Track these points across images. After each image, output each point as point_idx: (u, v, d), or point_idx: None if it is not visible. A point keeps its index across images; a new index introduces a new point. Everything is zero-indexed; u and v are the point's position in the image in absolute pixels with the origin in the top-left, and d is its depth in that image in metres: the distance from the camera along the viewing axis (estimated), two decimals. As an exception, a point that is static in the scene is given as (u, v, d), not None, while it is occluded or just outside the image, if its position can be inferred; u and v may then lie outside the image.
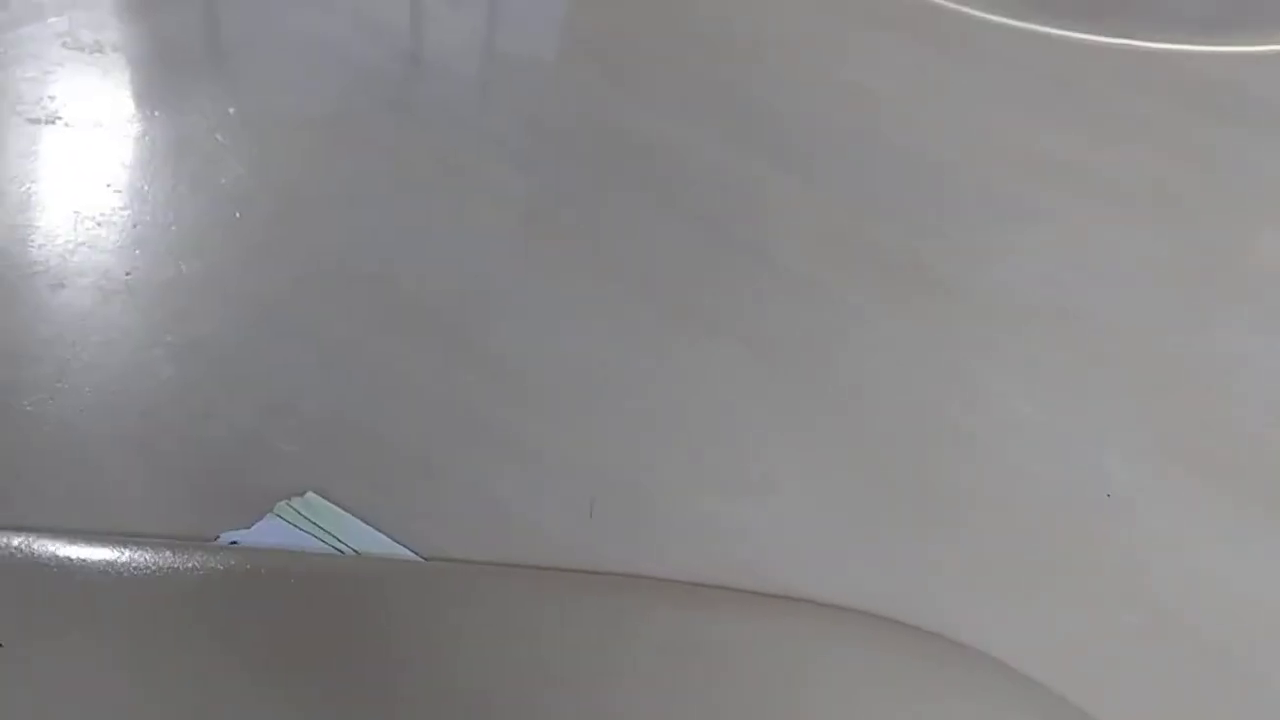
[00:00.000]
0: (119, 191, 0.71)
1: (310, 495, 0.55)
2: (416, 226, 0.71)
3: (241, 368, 0.62)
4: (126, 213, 0.70)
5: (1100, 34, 0.97)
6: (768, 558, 0.56)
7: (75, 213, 0.69)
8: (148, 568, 0.51)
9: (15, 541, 0.51)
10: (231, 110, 0.79)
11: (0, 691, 0.47)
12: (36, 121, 0.75)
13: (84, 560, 0.51)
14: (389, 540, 0.54)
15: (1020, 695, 0.50)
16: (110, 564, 0.51)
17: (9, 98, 0.77)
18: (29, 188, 0.70)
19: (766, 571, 0.55)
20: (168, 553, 0.52)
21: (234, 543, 0.53)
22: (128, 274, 0.66)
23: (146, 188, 0.72)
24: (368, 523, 0.55)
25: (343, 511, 0.55)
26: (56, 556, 0.51)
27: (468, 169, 0.76)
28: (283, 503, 0.55)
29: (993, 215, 0.77)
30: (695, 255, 0.70)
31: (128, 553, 0.52)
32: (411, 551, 0.54)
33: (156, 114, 0.78)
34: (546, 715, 0.49)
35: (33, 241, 0.67)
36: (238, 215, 0.70)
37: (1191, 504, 0.60)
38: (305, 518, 0.55)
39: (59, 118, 0.76)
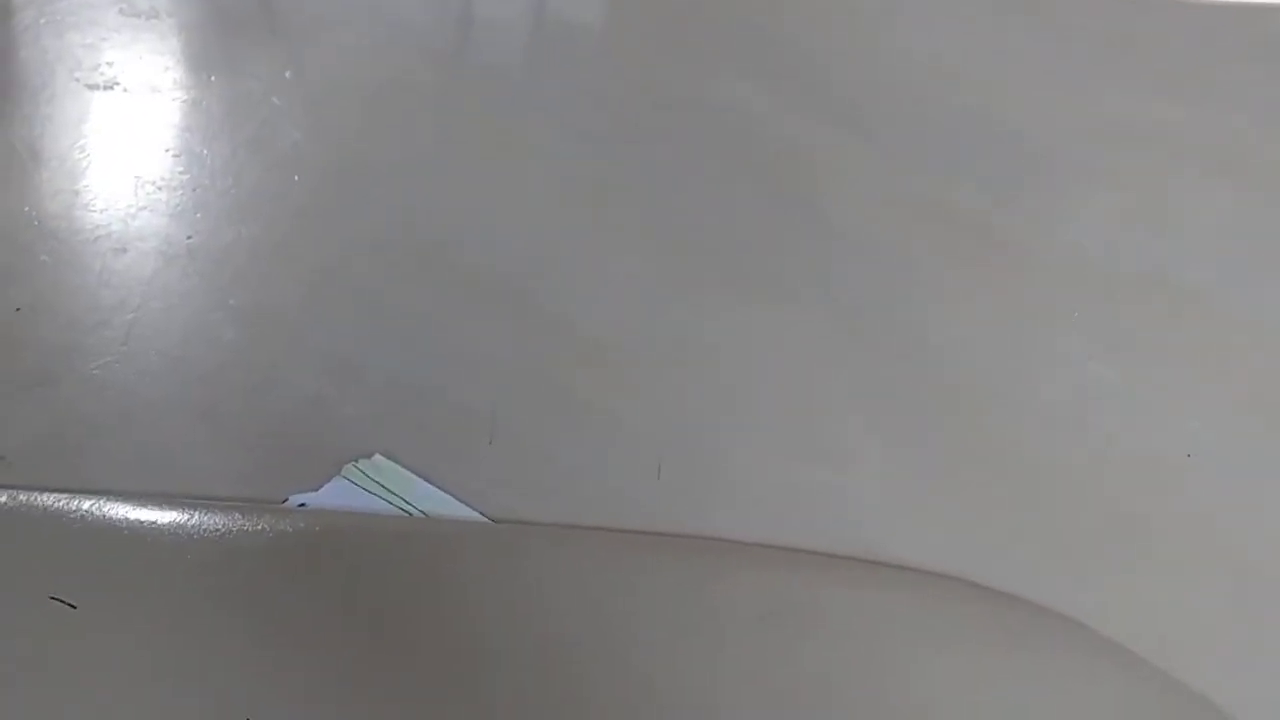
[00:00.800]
0: (177, 156, 0.71)
1: (378, 457, 0.55)
2: (475, 193, 0.70)
3: (304, 331, 0.61)
4: (186, 177, 0.69)
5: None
6: (842, 523, 0.55)
7: (135, 178, 0.69)
8: (218, 530, 0.51)
9: (86, 505, 0.51)
10: (287, 74, 0.78)
11: (76, 653, 0.46)
12: (94, 87, 0.75)
13: (155, 523, 0.51)
14: (457, 502, 0.54)
15: (1104, 658, 0.49)
16: (180, 526, 0.51)
17: (67, 64, 0.77)
18: (89, 153, 0.70)
19: (841, 536, 0.54)
20: (237, 515, 0.52)
21: (302, 505, 0.53)
22: (189, 238, 0.65)
23: (205, 152, 0.71)
24: (435, 485, 0.54)
25: (411, 474, 0.55)
26: (127, 520, 0.51)
27: (525, 137, 0.75)
28: (350, 465, 0.55)
29: (1062, 177, 0.75)
30: (763, 221, 0.69)
31: (197, 515, 0.51)
32: (480, 514, 0.53)
33: (213, 79, 0.77)
34: (625, 678, 0.48)
35: (94, 207, 0.67)
36: (296, 179, 0.70)
37: (1275, 463, 0.58)
38: (373, 480, 0.54)
39: (116, 83, 0.76)
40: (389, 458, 0.55)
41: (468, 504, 0.54)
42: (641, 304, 0.64)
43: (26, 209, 0.66)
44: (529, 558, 0.52)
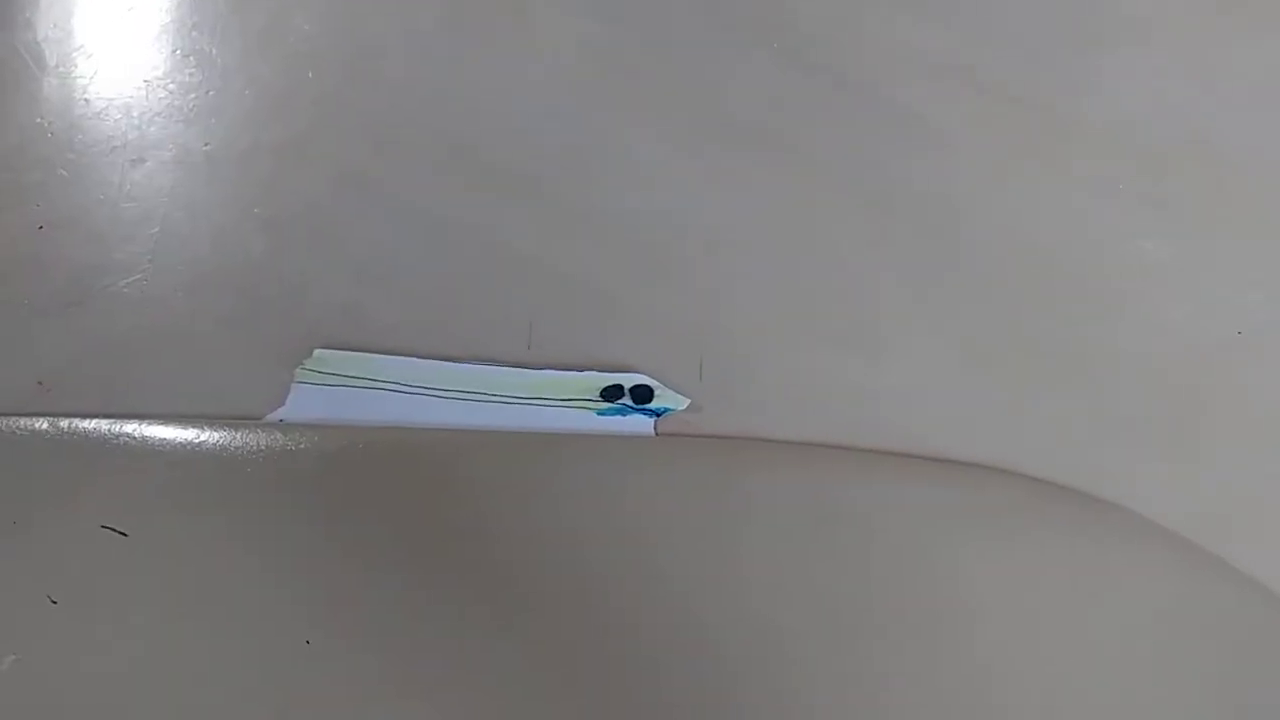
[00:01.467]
0: (187, 57, 0.68)
1: (318, 351, 0.55)
2: (497, 84, 0.68)
3: (333, 237, 0.60)
4: (198, 79, 0.67)
5: None
6: (888, 416, 0.54)
7: (145, 82, 0.67)
8: (261, 450, 0.51)
9: (130, 430, 0.51)
10: (293, -38, 0.75)
11: (131, 581, 0.47)
12: (95, -14, 0.72)
13: (199, 445, 0.51)
14: (425, 362, 0.54)
15: (1157, 545, 0.49)
16: (224, 448, 0.51)
17: (64, -38, 0.74)
18: (95, 58, 0.68)
19: (888, 430, 0.54)
20: (278, 435, 0.51)
21: (281, 420, 0.53)
22: (206, 145, 0.64)
23: (214, 51, 0.69)
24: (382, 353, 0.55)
25: (359, 353, 0.55)
26: (171, 443, 0.51)
27: (547, 19, 0.72)
28: (298, 369, 0.54)
29: (1109, 39, 0.71)
30: (799, 100, 0.66)
31: (240, 435, 0.51)
32: (446, 360, 0.54)
33: (216, -29, 0.74)
34: (665, 585, 0.48)
35: (108, 116, 0.65)
36: (310, 76, 0.68)
37: (1329, 339, 0.57)
38: (330, 373, 0.54)
39: (118, -20, 0.73)
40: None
41: (427, 357, 0.54)
42: (675, 193, 0.63)
43: (38, 120, 0.65)
44: (559, 463, 0.51)
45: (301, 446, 0.51)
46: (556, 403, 0.54)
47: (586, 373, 0.55)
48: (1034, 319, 0.58)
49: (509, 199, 0.62)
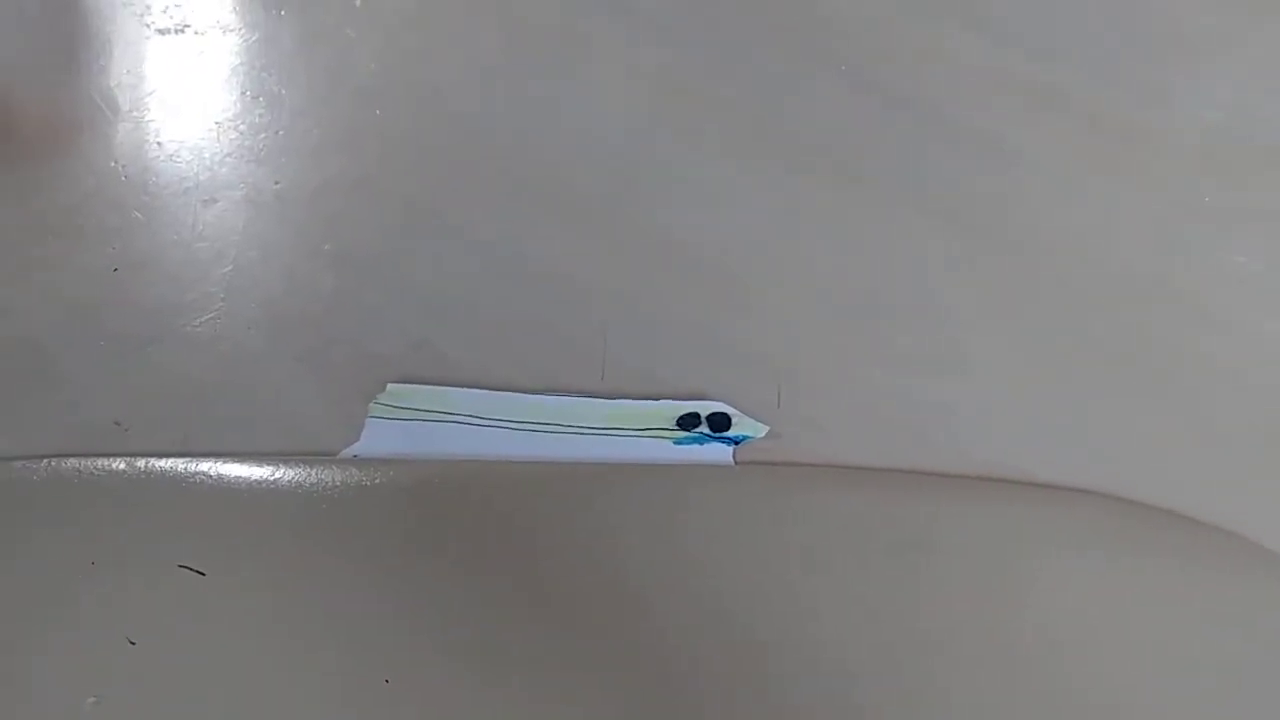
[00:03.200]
0: (256, 98, 0.69)
1: (391, 386, 0.54)
2: (562, 114, 0.67)
3: (403, 273, 0.60)
4: (267, 119, 0.68)
5: None
6: (973, 439, 0.53)
7: (215, 124, 0.67)
8: (336, 486, 0.50)
9: (205, 469, 0.51)
10: (357, 3, 0.76)
11: (209, 620, 0.46)
12: (165, 32, 0.73)
13: (273, 482, 0.50)
14: (497, 394, 0.54)
15: (1268, 572, 0.47)
16: (298, 484, 0.50)
17: (135, 9, 0.75)
18: (166, 102, 0.69)
19: (973, 454, 0.52)
20: (354, 470, 0.51)
21: (355, 456, 0.52)
22: (276, 183, 0.64)
23: (283, 91, 0.69)
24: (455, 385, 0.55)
25: (433, 386, 0.54)
26: (246, 480, 0.50)
27: (609, 47, 0.72)
28: (371, 404, 0.54)
29: (1184, 49, 0.70)
30: (862, 118, 0.65)
31: (314, 472, 0.51)
32: (519, 392, 0.54)
33: (283, 13, 0.75)
34: (744, 615, 0.47)
35: (179, 158, 0.65)
36: (378, 113, 0.68)
37: None
38: (403, 408, 0.53)
39: (187, 26, 0.74)
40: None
41: (500, 389, 0.54)
42: (742, 214, 0.62)
43: (112, 164, 0.65)
44: (635, 493, 0.50)
45: (377, 481, 0.50)
46: (632, 433, 0.53)
47: (662, 402, 0.54)
48: (1122, 335, 0.56)
49: (576, 228, 0.61)
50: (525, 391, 0.54)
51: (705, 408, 0.53)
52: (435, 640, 0.46)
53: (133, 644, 0.45)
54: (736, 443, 0.52)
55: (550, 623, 0.47)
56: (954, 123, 0.65)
